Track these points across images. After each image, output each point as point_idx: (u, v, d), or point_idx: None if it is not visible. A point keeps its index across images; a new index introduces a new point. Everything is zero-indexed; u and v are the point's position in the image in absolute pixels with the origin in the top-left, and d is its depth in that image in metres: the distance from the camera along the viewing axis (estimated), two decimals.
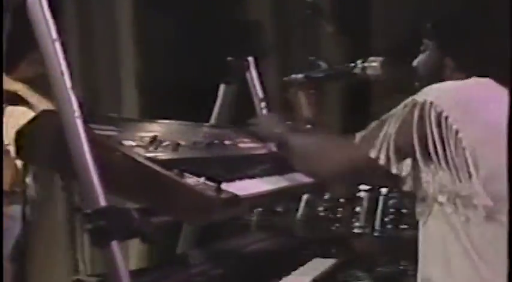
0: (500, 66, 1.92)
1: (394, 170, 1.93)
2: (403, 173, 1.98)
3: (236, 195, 1.90)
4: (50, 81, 1.77)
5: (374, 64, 2.44)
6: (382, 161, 1.92)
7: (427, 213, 1.98)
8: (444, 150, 1.87)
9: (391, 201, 3.16)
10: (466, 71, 2.01)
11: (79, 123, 1.75)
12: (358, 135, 2.02)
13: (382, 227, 3.13)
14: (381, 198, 3.16)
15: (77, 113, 1.75)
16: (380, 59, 2.45)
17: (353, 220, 3.17)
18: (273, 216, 3.12)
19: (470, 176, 1.87)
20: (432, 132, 1.88)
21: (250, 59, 2.80)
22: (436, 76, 2.04)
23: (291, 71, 2.76)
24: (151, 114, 3.94)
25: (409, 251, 2.83)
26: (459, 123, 1.86)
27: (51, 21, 1.79)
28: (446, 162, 1.88)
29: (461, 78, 2.01)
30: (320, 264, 2.53)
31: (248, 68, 2.80)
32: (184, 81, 3.91)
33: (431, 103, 1.88)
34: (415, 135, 1.89)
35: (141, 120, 2.24)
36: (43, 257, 4.19)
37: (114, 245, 1.72)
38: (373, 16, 4.05)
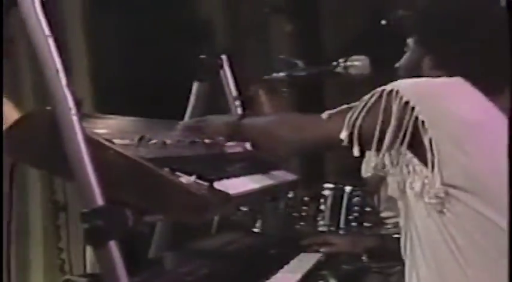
0: (484, 69, 1.96)
1: (356, 153, 1.94)
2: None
3: (228, 194, 1.89)
4: (45, 79, 1.73)
5: (357, 63, 2.44)
6: (345, 142, 1.94)
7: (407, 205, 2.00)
8: (409, 137, 1.89)
9: (355, 199, 3.18)
10: (446, 71, 2.01)
11: (75, 121, 1.71)
12: (326, 113, 2.03)
13: (346, 225, 3.15)
14: (345, 196, 3.18)
15: (73, 111, 1.71)
16: (363, 58, 2.44)
17: (318, 218, 3.18)
18: (238, 216, 3.11)
19: (432, 166, 1.88)
20: (396, 119, 1.89)
21: (224, 57, 2.78)
22: (415, 75, 2.04)
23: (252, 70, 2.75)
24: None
25: (374, 248, 2.87)
26: (425, 115, 1.87)
27: (43, 18, 1.74)
28: (411, 150, 1.91)
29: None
30: (305, 261, 2.52)
31: (222, 66, 2.78)
32: (149, 80, 3.87)
33: (397, 92, 1.91)
34: (379, 121, 1.91)
35: (114, 117, 2.20)
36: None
37: (112, 244, 1.69)
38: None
